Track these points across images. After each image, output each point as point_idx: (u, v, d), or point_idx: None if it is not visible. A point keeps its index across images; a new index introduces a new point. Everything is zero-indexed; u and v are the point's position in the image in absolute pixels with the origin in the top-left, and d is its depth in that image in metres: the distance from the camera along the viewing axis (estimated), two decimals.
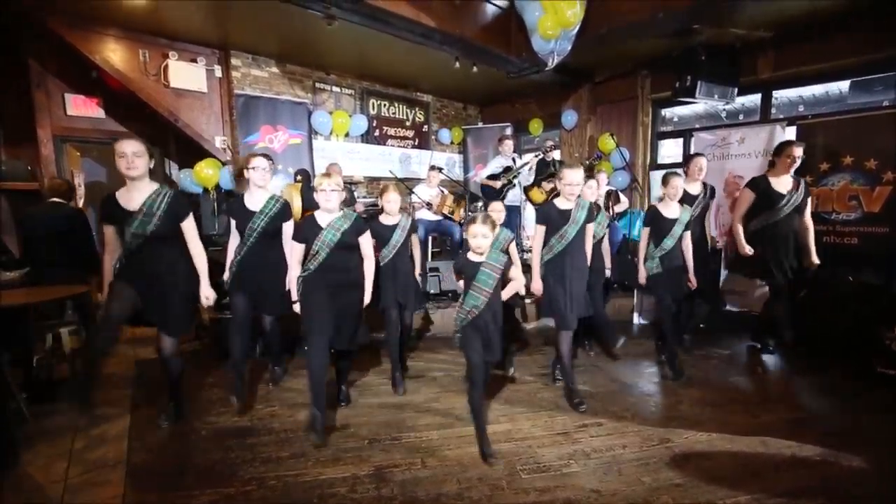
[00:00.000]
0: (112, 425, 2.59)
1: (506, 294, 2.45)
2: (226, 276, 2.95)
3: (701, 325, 4.22)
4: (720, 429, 2.51)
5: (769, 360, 3.62)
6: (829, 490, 1.98)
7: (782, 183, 3.39)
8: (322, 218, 2.55)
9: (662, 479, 2.06)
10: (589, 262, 2.97)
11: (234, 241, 2.93)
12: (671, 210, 3.30)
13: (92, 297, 3.68)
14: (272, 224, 2.84)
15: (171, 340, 2.48)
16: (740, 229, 3.53)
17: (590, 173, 4.24)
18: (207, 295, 2.58)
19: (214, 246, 4.06)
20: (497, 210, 3.26)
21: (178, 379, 2.61)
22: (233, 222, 2.91)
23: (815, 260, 3.42)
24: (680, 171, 3.58)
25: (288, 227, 2.90)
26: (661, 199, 3.37)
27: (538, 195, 5.12)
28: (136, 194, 2.34)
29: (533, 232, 3.63)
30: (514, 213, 5.12)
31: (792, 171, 3.37)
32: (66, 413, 2.73)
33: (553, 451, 2.29)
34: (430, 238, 5.17)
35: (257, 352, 3.65)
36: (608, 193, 4.32)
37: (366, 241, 2.67)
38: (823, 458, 2.23)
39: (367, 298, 2.69)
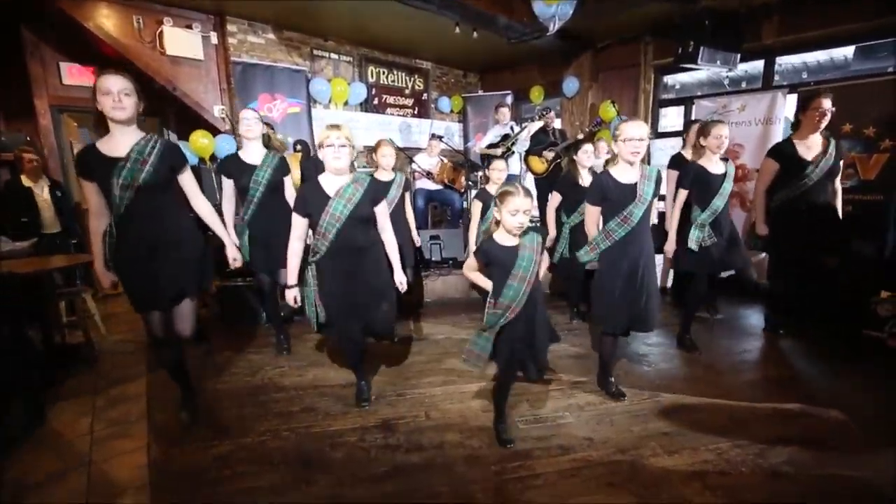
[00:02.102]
0: (131, 385, 2.73)
1: (541, 274, 2.00)
2: (234, 245, 2.94)
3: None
4: (708, 386, 2.64)
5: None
6: (806, 438, 2.11)
7: (810, 145, 3.01)
8: (328, 183, 2.15)
9: (651, 429, 2.20)
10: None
11: (229, 204, 2.82)
12: (716, 164, 2.80)
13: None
14: (275, 177, 2.75)
15: (188, 309, 2.12)
16: (762, 205, 3.19)
17: (590, 140, 4.23)
18: (234, 255, 2.42)
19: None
20: (499, 169, 3.27)
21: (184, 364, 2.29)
22: (228, 183, 2.77)
23: (839, 215, 3.12)
24: (718, 117, 3.29)
25: (289, 182, 2.80)
26: (698, 155, 2.93)
27: (538, 164, 5.13)
28: (122, 141, 1.93)
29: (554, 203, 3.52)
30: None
31: (821, 127, 2.96)
32: (84, 376, 2.87)
33: (549, 405, 2.43)
34: (430, 207, 5.22)
35: (264, 318, 3.77)
36: (608, 161, 4.34)
37: (382, 212, 2.30)
38: (803, 411, 2.36)
39: (401, 280, 2.37)
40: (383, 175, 3.13)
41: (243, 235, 2.84)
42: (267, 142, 2.90)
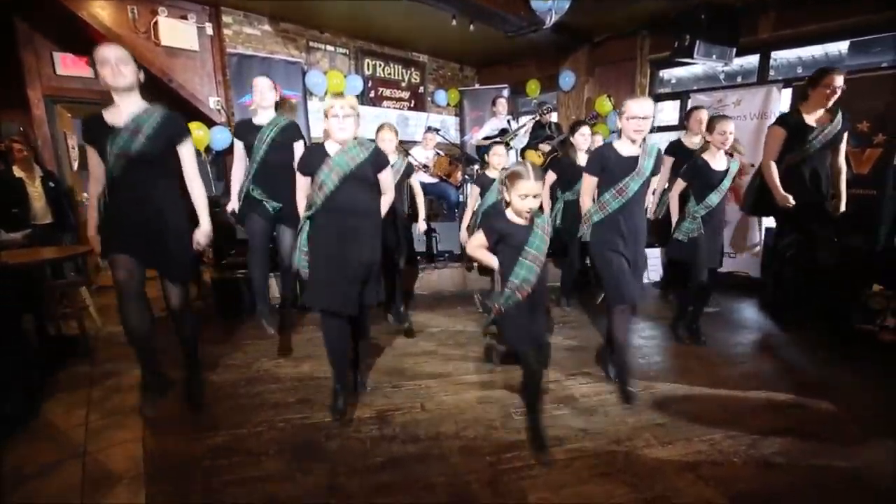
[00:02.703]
0: (126, 376, 2.72)
1: None
2: (234, 204, 2.94)
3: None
4: (701, 378, 2.66)
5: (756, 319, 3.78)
6: (798, 429, 2.14)
7: (816, 117, 3.01)
8: (333, 148, 2.10)
9: (645, 420, 2.22)
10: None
11: (240, 165, 2.87)
12: (719, 160, 2.84)
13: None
14: (282, 136, 2.76)
15: (178, 291, 2.22)
16: (774, 173, 3.05)
17: (578, 122, 4.22)
18: (200, 239, 2.23)
19: (215, 207, 4.10)
20: (499, 154, 3.30)
21: (195, 340, 2.36)
22: (239, 145, 2.85)
23: (842, 207, 3.10)
24: (724, 112, 3.29)
25: (299, 147, 2.79)
26: (702, 149, 2.97)
27: (534, 158, 5.13)
28: (124, 110, 1.99)
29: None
30: None
31: (830, 104, 2.94)
32: (79, 367, 2.86)
33: (544, 397, 2.44)
34: (426, 200, 5.20)
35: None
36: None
37: (387, 176, 2.24)
38: (796, 403, 2.39)
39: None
40: None
41: (248, 196, 2.85)
42: (281, 105, 2.93)
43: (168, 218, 2.11)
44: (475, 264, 4.22)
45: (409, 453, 1.98)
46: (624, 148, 2.28)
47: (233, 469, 1.88)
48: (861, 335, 3.20)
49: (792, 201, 3.01)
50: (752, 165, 4.37)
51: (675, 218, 3.08)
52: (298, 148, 2.79)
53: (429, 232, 4.51)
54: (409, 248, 3.70)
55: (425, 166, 4.86)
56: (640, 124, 2.17)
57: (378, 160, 2.16)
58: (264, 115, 2.87)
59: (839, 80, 2.86)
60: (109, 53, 1.93)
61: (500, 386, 2.56)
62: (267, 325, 3.18)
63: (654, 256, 4.53)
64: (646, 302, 4.04)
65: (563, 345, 3.14)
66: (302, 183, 2.20)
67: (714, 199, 2.85)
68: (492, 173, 3.33)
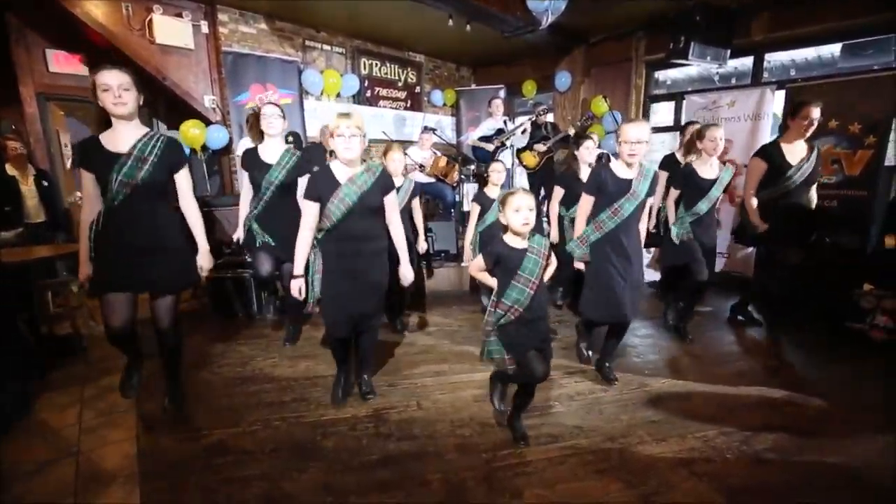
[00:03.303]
0: (119, 376, 2.69)
1: (547, 276, 1.99)
2: (239, 233, 2.95)
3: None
4: (696, 376, 2.68)
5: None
6: (791, 425, 2.16)
7: (795, 150, 3.10)
8: (340, 171, 2.12)
9: (639, 418, 2.24)
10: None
11: (247, 194, 2.87)
12: (709, 168, 2.92)
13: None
14: (289, 177, 2.74)
15: (170, 307, 2.14)
16: (754, 204, 3.19)
17: (582, 135, 4.27)
18: (203, 264, 2.22)
19: (207, 207, 4.09)
20: (498, 171, 3.31)
21: (179, 353, 2.29)
22: (245, 175, 2.83)
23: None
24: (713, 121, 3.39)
25: (303, 182, 2.76)
26: (691, 156, 3.08)
27: (531, 159, 5.14)
28: (125, 136, 1.95)
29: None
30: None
31: (808, 134, 3.05)
32: (73, 366, 2.84)
33: (539, 395, 2.42)
34: (422, 200, 5.21)
35: (271, 310, 3.80)
36: (599, 157, 4.37)
37: (391, 204, 2.25)
38: (789, 400, 2.42)
39: (406, 274, 2.32)
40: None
41: (253, 227, 2.85)
42: (287, 138, 2.89)
43: (168, 239, 2.08)
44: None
45: (405, 451, 1.98)
46: (621, 170, 2.34)
47: (228, 467, 1.88)
48: (852, 334, 3.24)
49: (763, 227, 3.13)
50: (746, 166, 4.41)
51: (671, 222, 3.15)
52: (302, 182, 2.75)
53: (425, 232, 4.51)
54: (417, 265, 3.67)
55: (421, 166, 4.86)
56: (635, 149, 2.22)
57: (385, 184, 2.18)
58: (271, 146, 2.79)
59: (816, 113, 2.98)
60: (112, 80, 1.86)
61: None
62: (285, 341, 3.18)
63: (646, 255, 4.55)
64: (642, 301, 4.03)
65: (557, 344, 3.13)
66: (309, 209, 2.12)
67: (703, 206, 2.93)
68: (491, 192, 3.34)
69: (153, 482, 1.79)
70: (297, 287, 2.18)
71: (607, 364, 2.65)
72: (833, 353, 3.04)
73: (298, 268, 2.18)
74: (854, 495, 1.75)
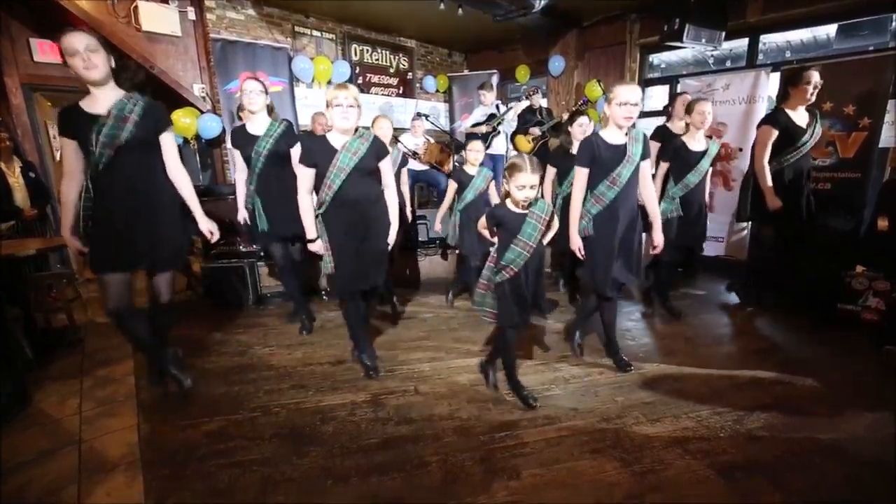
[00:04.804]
0: (117, 367, 2.71)
1: (546, 240, 2.10)
2: (241, 215, 2.94)
3: (679, 269, 4.41)
4: (689, 358, 2.72)
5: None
6: (782, 404, 2.20)
7: (801, 116, 3.08)
8: (335, 140, 2.22)
9: (634, 399, 2.27)
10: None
11: (242, 175, 2.87)
12: (697, 141, 2.96)
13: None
14: (278, 146, 2.72)
15: (168, 281, 2.20)
16: (768, 175, 3.07)
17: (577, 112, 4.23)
18: (210, 228, 2.21)
19: (201, 197, 4.04)
20: (476, 150, 3.31)
21: (167, 330, 2.32)
22: (238, 155, 2.82)
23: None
24: (704, 95, 3.39)
25: (296, 152, 2.75)
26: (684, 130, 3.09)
27: (524, 143, 5.13)
28: (102, 99, 1.93)
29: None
30: (499, 162, 5.14)
31: (811, 100, 3.03)
32: (70, 358, 2.84)
33: (535, 378, 2.48)
34: (416, 188, 5.19)
35: (250, 300, 3.76)
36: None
37: (387, 167, 2.36)
38: (780, 380, 2.46)
39: (392, 237, 2.42)
40: None
41: (256, 205, 2.84)
42: (271, 111, 2.86)
43: (160, 203, 2.07)
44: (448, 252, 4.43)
45: (404, 434, 2.01)
46: (611, 136, 2.26)
47: (229, 453, 1.90)
48: (844, 315, 3.28)
49: (778, 203, 3.05)
50: (741, 149, 4.42)
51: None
52: (296, 152, 2.74)
53: (419, 219, 4.50)
54: (404, 236, 3.72)
55: (415, 153, 4.83)
56: (631, 110, 2.16)
57: (379, 149, 2.28)
58: (257, 122, 2.79)
59: (817, 77, 2.99)
60: (77, 42, 1.80)
61: None
62: (303, 331, 3.18)
63: None
64: (634, 288, 4.07)
65: (554, 328, 3.18)
66: (305, 174, 2.23)
67: (692, 179, 2.97)
68: (469, 169, 3.32)
69: (155, 470, 1.81)
70: (317, 247, 2.34)
71: (620, 354, 2.60)
72: (824, 334, 3.08)
73: (310, 232, 2.31)
74: (843, 468, 1.79)
